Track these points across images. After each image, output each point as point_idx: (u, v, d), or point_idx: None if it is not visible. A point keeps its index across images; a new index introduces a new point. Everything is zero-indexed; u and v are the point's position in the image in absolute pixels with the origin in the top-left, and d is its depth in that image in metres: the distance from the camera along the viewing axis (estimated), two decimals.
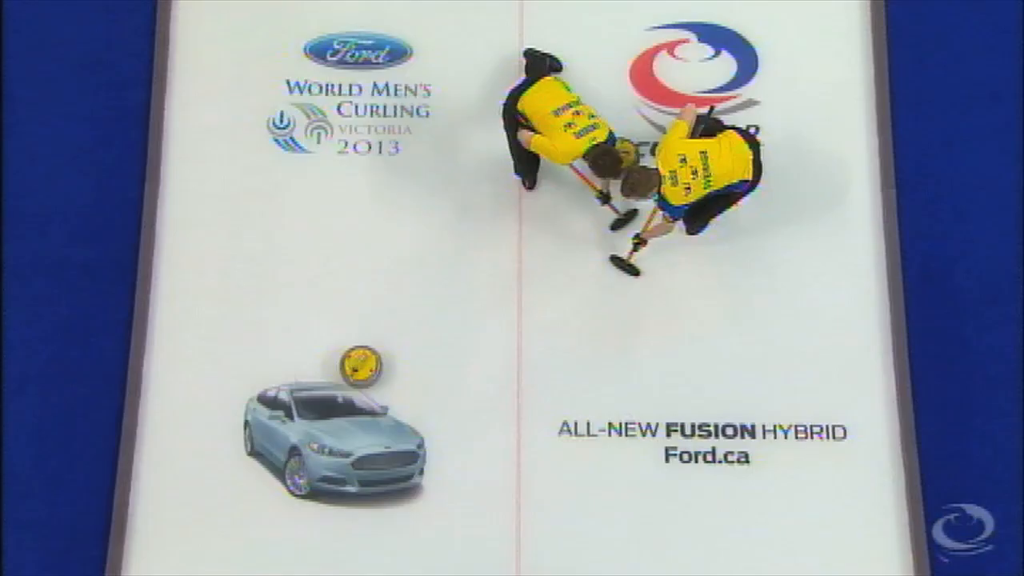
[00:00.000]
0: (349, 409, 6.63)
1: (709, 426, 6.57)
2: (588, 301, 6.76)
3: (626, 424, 6.56)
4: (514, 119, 6.52)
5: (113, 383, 6.58)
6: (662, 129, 6.90)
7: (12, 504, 6.42)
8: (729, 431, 6.56)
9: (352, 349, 6.66)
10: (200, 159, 6.94)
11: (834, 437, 6.53)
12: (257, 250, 6.81)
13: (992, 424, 6.52)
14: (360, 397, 6.65)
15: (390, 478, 6.50)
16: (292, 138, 7.00)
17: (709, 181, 6.27)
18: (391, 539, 6.39)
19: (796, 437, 6.54)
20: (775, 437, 6.54)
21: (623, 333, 6.72)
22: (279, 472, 6.50)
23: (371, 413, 6.63)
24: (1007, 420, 6.52)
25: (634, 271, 6.73)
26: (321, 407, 6.62)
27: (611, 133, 6.40)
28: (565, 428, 6.56)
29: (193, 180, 6.91)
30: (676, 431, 6.56)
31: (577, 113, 6.37)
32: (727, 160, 6.30)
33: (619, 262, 6.74)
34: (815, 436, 6.53)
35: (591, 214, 6.83)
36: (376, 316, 6.73)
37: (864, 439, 6.52)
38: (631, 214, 6.80)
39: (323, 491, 6.46)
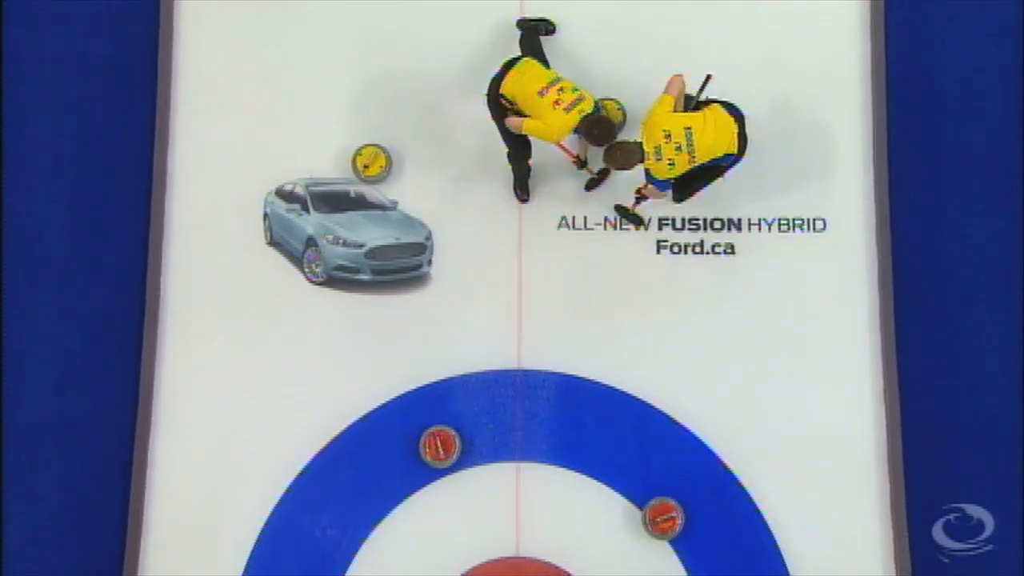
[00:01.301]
0: (361, 203, 6.87)
1: (698, 219, 6.79)
2: None
3: (620, 218, 6.82)
4: (499, 106, 6.46)
5: (140, 178, 6.83)
6: None
7: (51, 291, 6.76)
8: (716, 224, 6.79)
9: (363, 147, 6.86)
10: None
11: (814, 229, 6.76)
12: (272, 50, 6.96)
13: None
14: (371, 192, 6.88)
15: (400, 267, 6.78)
16: None
17: (694, 156, 6.23)
18: (401, 324, 6.72)
19: (779, 229, 6.77)
20: (759, 230, 6.77)
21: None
22: (297, 261, 6.80)
23: (382, 207, 6.88)
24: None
25: (638, 220, 6.79)
26: (335, 201, 6.87)
27: (596, 102, 6.35)
28: (564, 222, 6.82)
29: None
30: (667, 225, 6.80)
31: (561, 90, 6.29)
32: (711, 135, 6.23)
33: (623, 211, 6.79)
34: (796, 228, 6.76)
35: None
36: (386, 116, 6.90)
37: (842, 230, 6.75)
38: (604, 173, 6.81)
39: (338, 278, 6.77)
